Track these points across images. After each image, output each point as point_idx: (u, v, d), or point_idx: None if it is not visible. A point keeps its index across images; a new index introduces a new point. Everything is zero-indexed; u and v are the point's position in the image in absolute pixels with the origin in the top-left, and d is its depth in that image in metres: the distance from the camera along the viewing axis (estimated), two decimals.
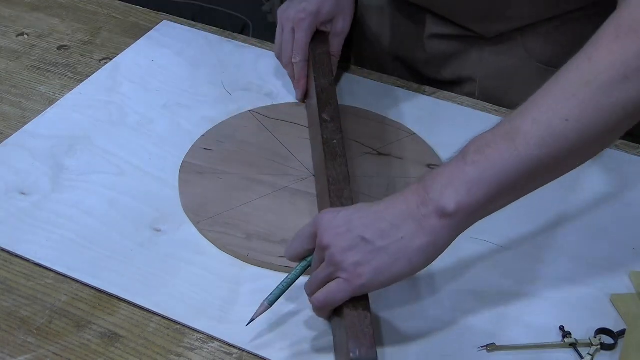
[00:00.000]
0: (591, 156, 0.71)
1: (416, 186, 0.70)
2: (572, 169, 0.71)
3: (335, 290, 0.70)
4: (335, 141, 0.87)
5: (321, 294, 0.71)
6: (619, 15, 0.68)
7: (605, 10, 0.70)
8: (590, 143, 0.68)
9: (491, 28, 1.03)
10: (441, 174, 0.69)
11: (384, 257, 0.68)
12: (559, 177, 0.71)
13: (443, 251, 0.70)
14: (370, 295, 0.71)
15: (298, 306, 0.77)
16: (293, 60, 1.04)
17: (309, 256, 0.75)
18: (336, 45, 1.06)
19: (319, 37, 1.06)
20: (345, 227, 0.70)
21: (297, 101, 1.05)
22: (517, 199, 0.70)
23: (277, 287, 0.74)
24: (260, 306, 0.73)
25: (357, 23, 1.16)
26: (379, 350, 0.74)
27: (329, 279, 0.71)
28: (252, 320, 0.73)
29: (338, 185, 0.81)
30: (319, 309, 0.73)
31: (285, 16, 1.05)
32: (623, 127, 0.68)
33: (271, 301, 0.73)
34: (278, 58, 1.08)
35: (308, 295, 0.74)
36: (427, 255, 0.69)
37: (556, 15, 1.00)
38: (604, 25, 0.68)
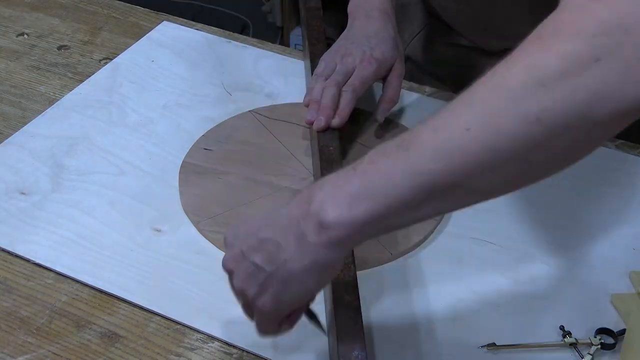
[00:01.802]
0: (512, 179, 0.58)
1: (301, 195, 0.62)
2: (491, 193, 0.59)
3: (259, 321, 0.67)
4: (331, 148, 0.88)
5: (256, 326, 0.68)
6: (549, 17, 0.57)
7: None
8: (501, 160, 0.55)
9: (492, 43, 1.05)
10: (327, 184, 0.60)
11: (276, 284, 0.63)
12: (475, 199, 0.59)
13: (335, 267, 0.63)
14: (365, 296, 0.71)
15: None
16: (346, 89, 0.92)
17: None
18: (396, 86, 0.96)
19: None
20: (239, 249, 0.65)
21: (297, 102, 1.05)
22: (423, 218, 0.60)
23: None
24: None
25: None
26: (374, 353, 0.74)
27: (247, 304, 0.67)
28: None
29: None
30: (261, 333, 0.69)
31: (346, 50, 0.94)
32: (549, 146, 0.54)
33: None
34: (306, 104, 0.94)
35: None
36: (315, 276, 0.62)
37: None
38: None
